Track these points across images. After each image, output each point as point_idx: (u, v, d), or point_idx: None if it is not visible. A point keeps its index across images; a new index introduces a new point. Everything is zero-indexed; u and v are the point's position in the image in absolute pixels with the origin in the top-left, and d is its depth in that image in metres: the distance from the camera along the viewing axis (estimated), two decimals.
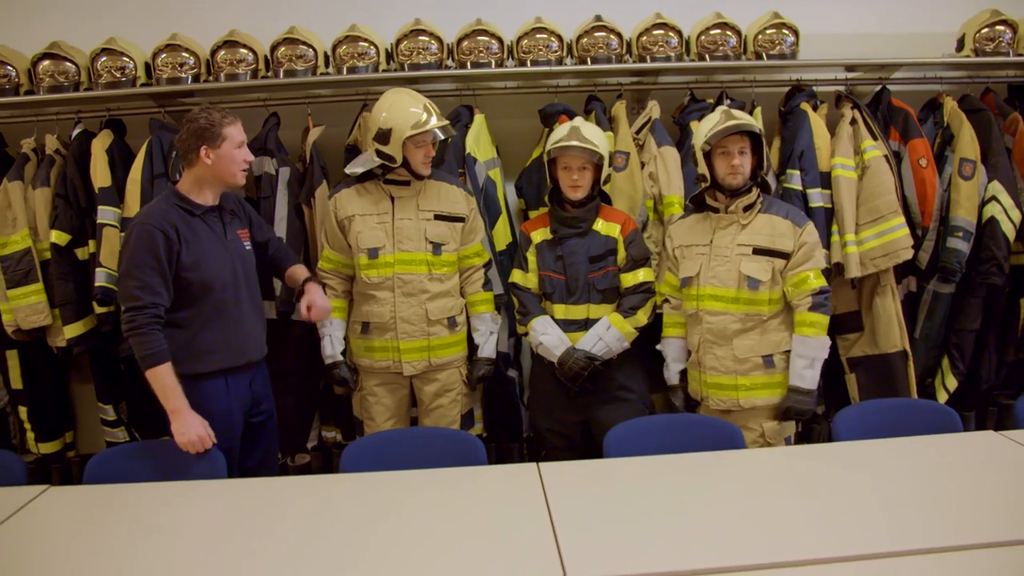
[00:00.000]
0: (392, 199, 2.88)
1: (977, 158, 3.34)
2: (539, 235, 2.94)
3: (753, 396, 2.69)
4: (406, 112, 2.76)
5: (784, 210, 2.69)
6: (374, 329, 2.91)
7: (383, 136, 2.76)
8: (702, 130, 2.69)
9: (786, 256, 2.63)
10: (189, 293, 2.43)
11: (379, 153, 2.79)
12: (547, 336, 2.84)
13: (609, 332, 2.80)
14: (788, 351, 2.68)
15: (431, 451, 2.38)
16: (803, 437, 3.62)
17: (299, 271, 2.84)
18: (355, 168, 2.89)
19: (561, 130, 2.83)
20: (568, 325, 2.86)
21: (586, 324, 2.85)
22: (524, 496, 2.00)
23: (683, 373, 2.92)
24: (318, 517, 1.94)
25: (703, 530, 1.81)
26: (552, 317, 2.90)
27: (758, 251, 2.64)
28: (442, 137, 2.84)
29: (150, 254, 2.35)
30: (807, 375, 2.62)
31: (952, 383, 3.55)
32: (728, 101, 3.40)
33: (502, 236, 3.38)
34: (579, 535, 1.79)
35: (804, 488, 2.05)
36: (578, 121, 2.89)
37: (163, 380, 2.34)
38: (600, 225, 2.86)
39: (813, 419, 3.59)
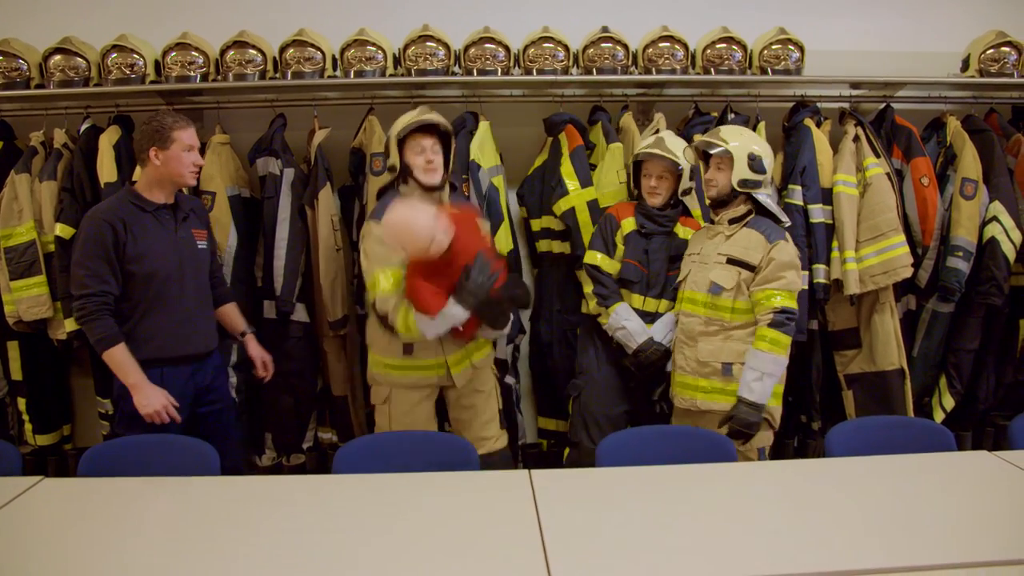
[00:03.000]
0: None
1: (979, 178, 3.35)
2: (628, 224, 3.02)
3: (710, 400, 2.74)
4: (400, 119, 2.75)
5: (764, 226, 2.72)
6: (420, 349, 2.77)
7: (387, 148, 2.76)
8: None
9: (752, 269, 2.68)
10: (133, 284, 2.55)
11: (390, 169, 2.77)
12: (630, 322, 2.94)
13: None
14: None
15: (425, 455, 2.38)
16: (798, 452, 3.64)
17: (235, 316, 2.96)
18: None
19: (648, 138, 3.00)
20: (640, 316, 2.96)
21: (654, 318, 2.97)
22: (514, 503, 1.99)
23: None
24: (306, 517, 1.95)
25: (692, 542, 1.81)
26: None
27: (731, 260, 2.71)
28: (442, 127, 2.71)
29: (99, 245, 2.48)
30: (755, 387, 2.62)
31: (949, 402, 3.55)
32: (732, 115, 3.43)
33: (503, 243, 3.38)
34: (568, 544, 1.79)
35: (795, 502, 2.06)
36: (665, 132, 3.05)
37: (119, 359, 2.49)
38: (680, 228, 3.00)
39: (808, 435, 3.61)
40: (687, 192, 3.00)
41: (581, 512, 1.98)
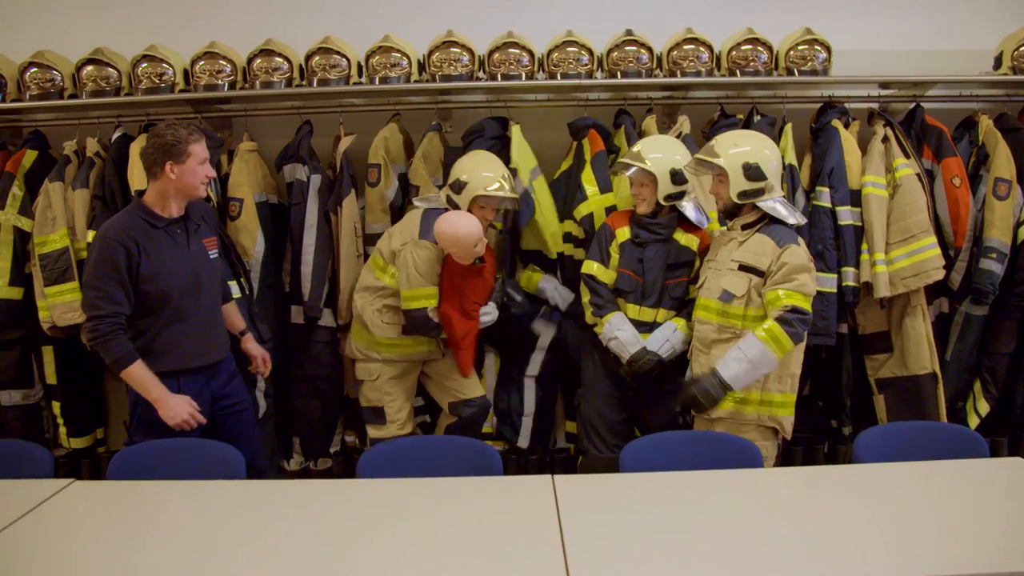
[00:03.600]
0: None
1: (1013, 178, 3.28)
2: (622, 233, 3.00)
3: (721, 408, 2.66)
4: (484, 174, 3.03)
5: (776, 232, 2.65)
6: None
7: (458, 187, 3.02)
8: None
9: (762, 274, 2.62)
10: (147, 303, 2.54)
11: (449, 200, 3.04)
12: (623, 332, 2.91)
13: (675, 335, 2.88)
14: None
15: (447, 460, 2.39)
16: (828, 457, 3.59)
17: (233, 315, 2.97)
18: (421, 204, 3.13)
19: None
20: (636, 326, 2.93)
21: (651, 328, 2.93)
22: (536, 509, 1.99)
23: None
24: (328, 521, 1.97)
25: (713, 549, 1.80)
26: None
27: (743, 267, 2.66)
28: (508, 207, 3.18)
29: (111, 266, 2.46)
30: (732, 367, 2.56)
31: (984, 407, 3.47)
32: (758, 117, 3.39)
33: (553, 245, 3.37)
34: (589, 550, 1.78)
35: (821, 509, 2.04)
36: (644, 140, 3.03)
37: (138, 376, 2.50)
38: (679, 234, 2.95)
39: (839, 440, 3.55)
40: (672, 198, 2.90)
41: (603, 518, 1.98)
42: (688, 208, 2.95)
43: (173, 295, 2.56)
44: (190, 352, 2.62)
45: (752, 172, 2.63)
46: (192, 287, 2.60)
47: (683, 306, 2.95)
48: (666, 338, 2.87)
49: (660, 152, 2.89)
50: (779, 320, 2.53)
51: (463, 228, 2.89)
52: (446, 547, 1.83)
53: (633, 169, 2.91)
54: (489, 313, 3.13)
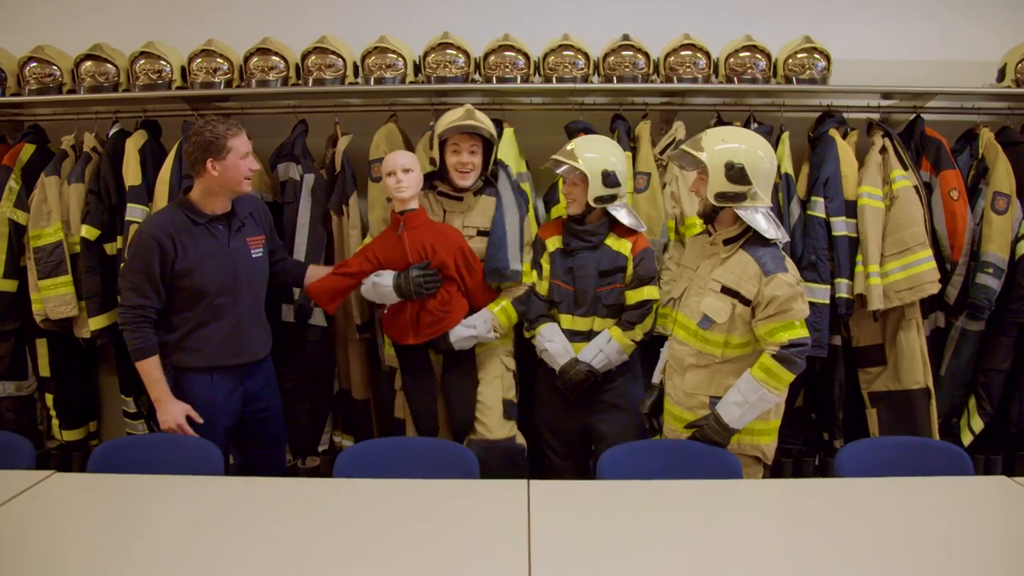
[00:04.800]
0: (444, 213, 3.01)
1: (1012, 192, 3.24)
2: (553, 243, 2.96)
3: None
4: (448, 116, 2.91)
5: (761, 253, 2.39)
6: None
7: (432, 142, 2.97)
8: None
9: (747, 302, 2.39)
10: (183, 298, 2.59)
11: (431, 160, 2.97)
12: (552, 344, 2.88)
13: (609, 344, 2.82)
14: None
15: (425, 461, 2.38)
16: (818, 471, 3.55)
17: (321, 270, 2.99)
18: None
19: None
20: (572, 336, 2.90)
21: (589, 336, 2.88)
22: (507, 514, 1.98)
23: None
24: (299, 520, 1.97)
25: (685, 562, 1.78)
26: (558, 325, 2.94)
27: (725, 289, 2.43)
28: (475, 127, 2.85)
29: (141, 260, 2.53)
30: (733, 412, 2.38)
31: (978, 424, 3.43)
32: (755, 125, 3.36)
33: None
34: (555, 556, 1.77)
35: (797, 523, 2.01)
36: (583, 137, 2.96)
37: (148, 372, 2.57)
38: (612, 240, 2.87)
39: (830, 453, 3.52)
40: (603, 200, 2.79)
41: (574, 524, 1.96)
42: (620, 212, 2.84)
43: (209, 292, 2.60)
44: (224, 350, 2.65)
45: (735, 174, 2.36)
46: (230, 285, 2.64)
47: (620, 312, 2.87)
48: (599, 348, 2.82)
49: (595, 152, 2.79)
50: (778, 358, 2.34)
51: (393, 154, 2.87)
52: (408, 549, 1.82)
53: (564, 167, 2.82)
54: (382, 283, 2.84)
